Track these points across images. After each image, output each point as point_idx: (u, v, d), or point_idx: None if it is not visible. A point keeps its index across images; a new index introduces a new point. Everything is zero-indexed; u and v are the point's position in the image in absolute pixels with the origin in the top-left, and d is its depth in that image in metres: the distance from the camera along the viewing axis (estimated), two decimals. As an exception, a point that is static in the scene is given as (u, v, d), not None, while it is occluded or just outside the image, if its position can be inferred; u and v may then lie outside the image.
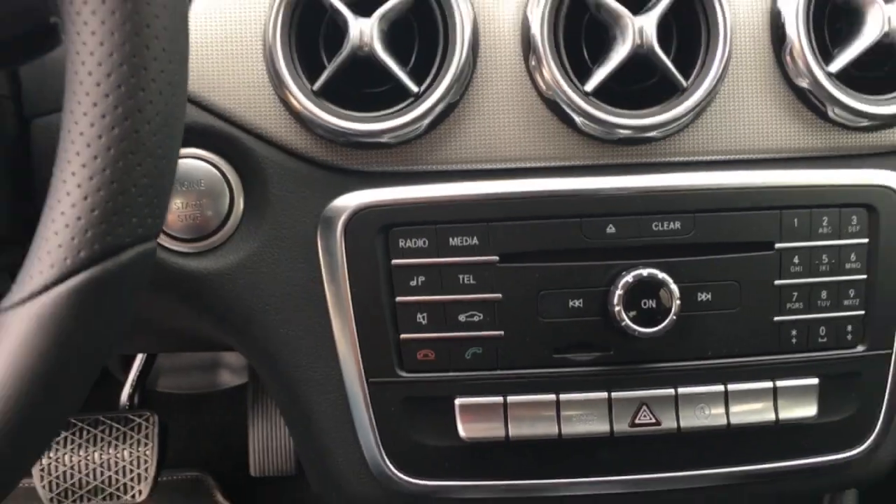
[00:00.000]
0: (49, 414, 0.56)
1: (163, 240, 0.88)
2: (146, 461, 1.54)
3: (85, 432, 1.54)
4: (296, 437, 1.00)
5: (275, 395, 0.98)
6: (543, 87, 0.87)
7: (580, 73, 0.87)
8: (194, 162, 0.88)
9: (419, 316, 0.88)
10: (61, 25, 0.54)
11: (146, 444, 1.54)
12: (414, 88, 0.84)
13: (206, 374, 1.96)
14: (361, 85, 0.88)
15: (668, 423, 0.91)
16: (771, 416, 0.92)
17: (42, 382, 0.53)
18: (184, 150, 0.87)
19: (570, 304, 0.88)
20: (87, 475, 1.53)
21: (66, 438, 1.53)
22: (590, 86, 0.85)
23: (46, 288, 0.53)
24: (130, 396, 1.67)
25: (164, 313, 0.99)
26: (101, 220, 0.53)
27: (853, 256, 0.91)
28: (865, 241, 0.91)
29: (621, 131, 0.86)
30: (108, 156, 0.53)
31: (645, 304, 0.86)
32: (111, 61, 0.52)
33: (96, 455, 1.52)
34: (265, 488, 1.76)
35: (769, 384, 0.91)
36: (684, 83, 0.86)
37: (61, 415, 0.57)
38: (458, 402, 0.90)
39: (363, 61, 0.84)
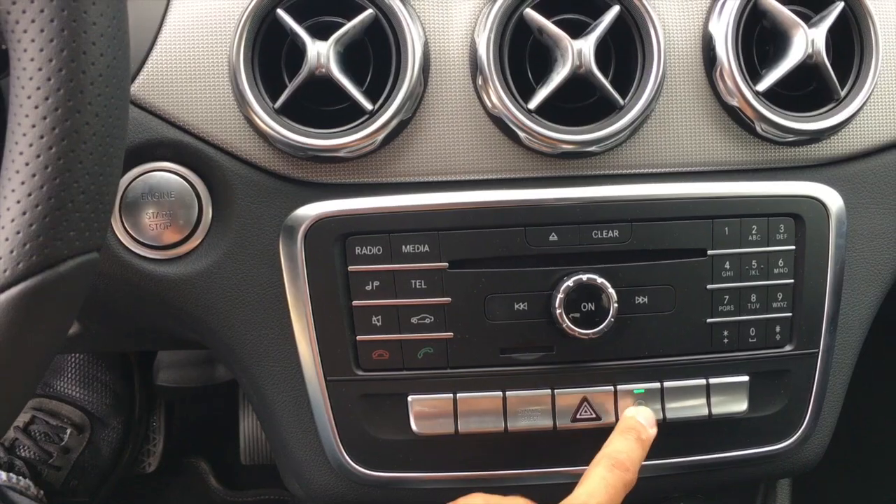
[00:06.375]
0: None
1: (135, 247, 0.87)
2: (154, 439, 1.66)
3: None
4: (266, 432, 0.99)
5: (246, 392, 0.97)
6: (490, 106, 0.86)
7: (524, 92, 0.86)
8: (165, 175, 0.87)
9: (374, 318, 0.87)
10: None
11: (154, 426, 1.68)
12: (368, 106, 0.84)
13: (202, 369, 1.96)
14: (321, 103, 0.88)
15: (608, 418, 0.90)
16: (704, 412, 0.91)
17: None
18: (155, 164, 0.87)
19: (516, 307, 0.87)
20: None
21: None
22: (533, 104, 0.85)
23: None
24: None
25: (141, 315, 0.98)
26: (38, 234, 0.52)
27: (781, 262, 0.90)
28: (792, 248, 0.90)
29: (563, 146, 0.85)
30: (46, 174, 0.52)
31: (585, 306, 0.86)
32: (49, 86, 0.52)
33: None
34: (255, 475, 1.75)
35: (702, 381, 0.91)
36: (621, 101, 0.85)
37: (3, 417, 0.56)
38: (410, 398, 0.89)
39: (321, 81, 0.83)
